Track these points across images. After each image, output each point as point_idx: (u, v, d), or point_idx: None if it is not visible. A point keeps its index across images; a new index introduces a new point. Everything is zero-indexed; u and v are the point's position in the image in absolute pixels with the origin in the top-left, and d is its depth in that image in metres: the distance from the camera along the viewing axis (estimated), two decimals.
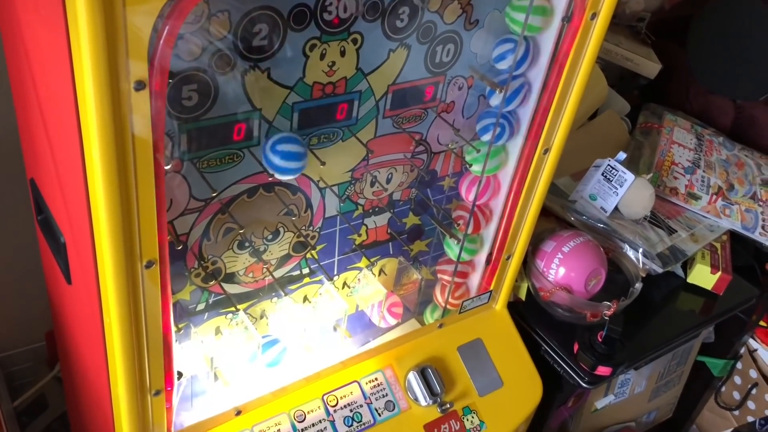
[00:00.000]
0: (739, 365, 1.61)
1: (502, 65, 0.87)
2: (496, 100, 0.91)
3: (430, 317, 1.09)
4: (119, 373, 0.73)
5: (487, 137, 0.92)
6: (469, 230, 1.01)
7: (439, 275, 1.08)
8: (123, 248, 0.64)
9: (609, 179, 1.25)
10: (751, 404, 1.63)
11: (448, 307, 1.07)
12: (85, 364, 0.92)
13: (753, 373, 1.60)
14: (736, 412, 1.66)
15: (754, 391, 1.61)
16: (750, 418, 1.65)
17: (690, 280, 1.29)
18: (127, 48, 0.54)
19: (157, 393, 0.78)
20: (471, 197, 0.98)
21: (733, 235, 1.38)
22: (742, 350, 1.59)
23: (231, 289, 0.87)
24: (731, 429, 1.70)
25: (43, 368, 1.39)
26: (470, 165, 0.95)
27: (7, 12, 0.78)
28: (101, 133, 0.56)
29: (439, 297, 1.09)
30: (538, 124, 0.92)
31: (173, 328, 0.75)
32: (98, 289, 0.70)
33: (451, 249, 1.03)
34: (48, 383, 1.36)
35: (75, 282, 0.82)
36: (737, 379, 1.64)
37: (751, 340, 1.57)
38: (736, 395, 1.65)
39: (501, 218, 1.02)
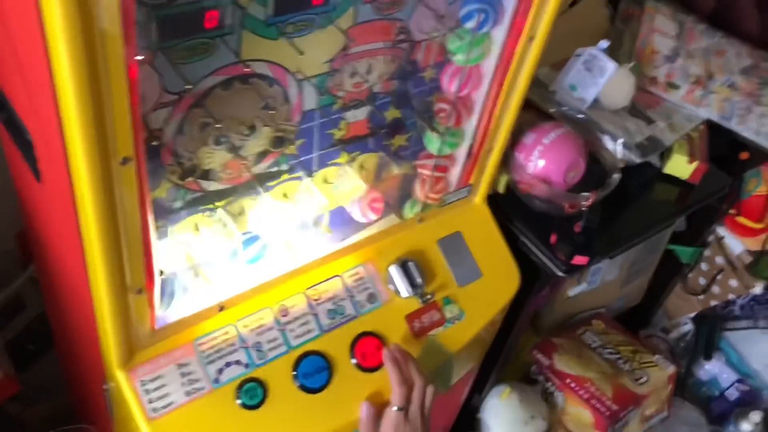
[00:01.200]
0: (707, 252, 1.66)
1: None
2: None
3: (409, 212, 1.09)
4: (99, 273, 0.72)
5: (470, 24, 0.88)
6: (451, 123, 0.99)
7: (419, 170, 1.07)
8: (97, 146, 0.61)
9: (590, 69, 1.22)
10: (715, 289, 1.69)
11: (427, 201, 1.07)
12: (63, 264, 0.91)
13: (719, 260, 1.65)
14: (701, 297, 1.73)
15: (719, 277, 1.67)
16: (713, 302, 1.72)
17: (667, 170, 1.30)
18: None
19: (140, 291, 0.77)
20: (453, 89, 0.95)
21: (710, 124, 1.38)
22: (710, 238, 1.63)
23: (208, 186, 0.84)
24: (695, 312, 1.77)
25: (17, 270, 1.37)
26: (453, 54, 0.92)
27: None
28: (65, 20, 0.52)
29: (418, 192, 1.08)
30: (522, 9, 0.88)
31: (152, 226, 0.74)
32: (72, 188, 0.67)
33: (432, 143, 1.01)
34: (23, 284, 1.34)
35: (45, 180, 0.79)
36: (704, 266, 1.69)
37: (719, 228, 1.61)
38: (702, 281, 1.71)
39: (483, 111, 1.00)
